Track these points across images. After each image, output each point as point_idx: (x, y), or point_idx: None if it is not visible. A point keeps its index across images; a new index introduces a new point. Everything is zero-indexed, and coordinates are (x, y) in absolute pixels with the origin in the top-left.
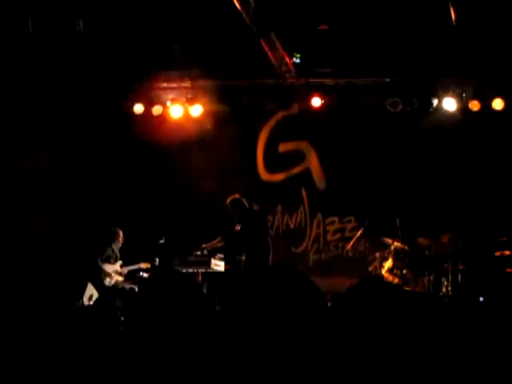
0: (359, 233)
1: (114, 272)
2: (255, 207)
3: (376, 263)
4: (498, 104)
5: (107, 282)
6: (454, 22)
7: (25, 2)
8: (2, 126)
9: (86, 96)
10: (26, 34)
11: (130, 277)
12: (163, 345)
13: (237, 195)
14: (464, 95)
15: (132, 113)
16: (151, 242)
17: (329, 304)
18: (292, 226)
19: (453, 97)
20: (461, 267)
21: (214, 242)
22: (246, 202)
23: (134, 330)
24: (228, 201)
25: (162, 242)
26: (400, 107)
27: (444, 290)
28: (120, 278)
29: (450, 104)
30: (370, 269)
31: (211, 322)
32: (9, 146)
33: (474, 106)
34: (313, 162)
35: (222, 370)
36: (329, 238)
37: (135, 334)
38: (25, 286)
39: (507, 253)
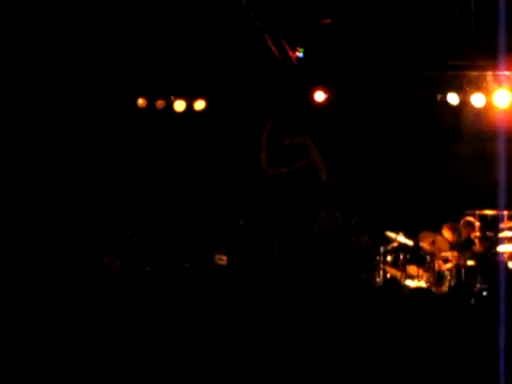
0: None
1: None
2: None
3: (379, 257)
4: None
5: None
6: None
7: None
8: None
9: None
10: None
11: None
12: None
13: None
14: (467, 89)
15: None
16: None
17: None
18: (295, 221)
19: (456, 91)
20: (463, 262)
21: (218, 237)
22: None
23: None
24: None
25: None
26: (404, 101)
27: (447, 284)
28: None
29: (453, 98)
30: (373, 263)
31: (212, 318)
32: (14, 139)
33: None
34: (316, 157)
35: (224, 366)
36: (332, 232)
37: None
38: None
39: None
